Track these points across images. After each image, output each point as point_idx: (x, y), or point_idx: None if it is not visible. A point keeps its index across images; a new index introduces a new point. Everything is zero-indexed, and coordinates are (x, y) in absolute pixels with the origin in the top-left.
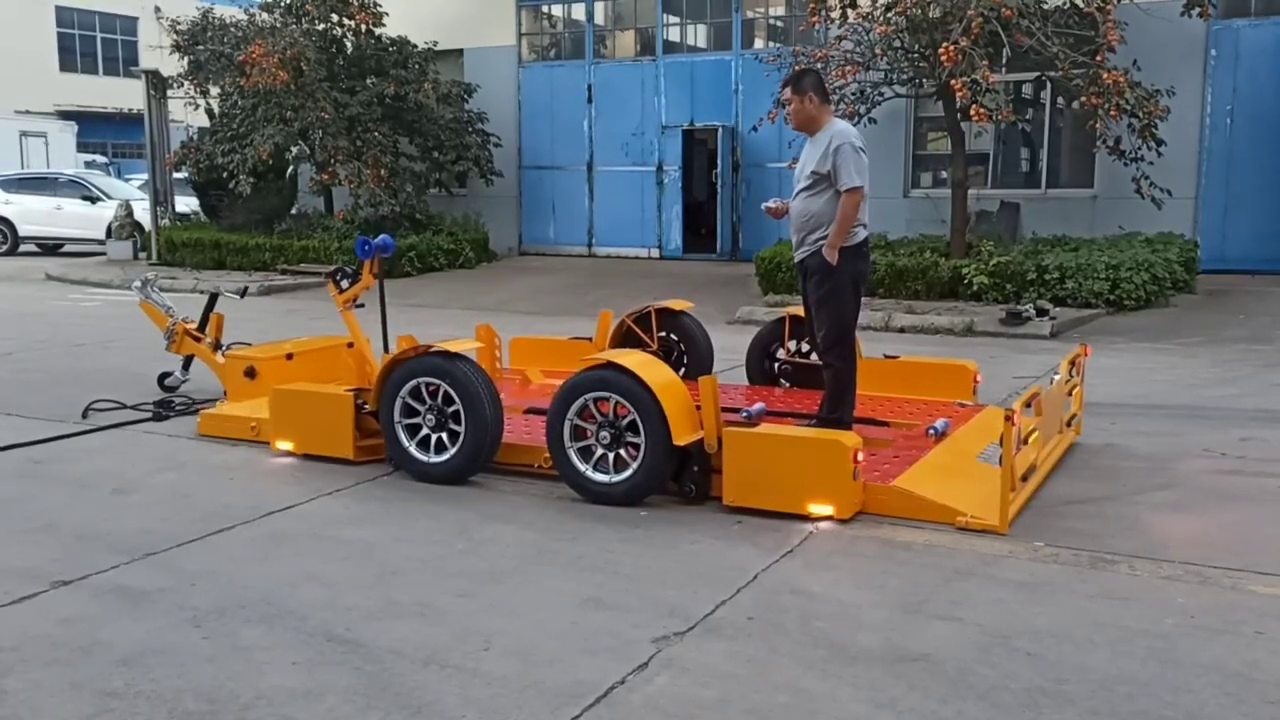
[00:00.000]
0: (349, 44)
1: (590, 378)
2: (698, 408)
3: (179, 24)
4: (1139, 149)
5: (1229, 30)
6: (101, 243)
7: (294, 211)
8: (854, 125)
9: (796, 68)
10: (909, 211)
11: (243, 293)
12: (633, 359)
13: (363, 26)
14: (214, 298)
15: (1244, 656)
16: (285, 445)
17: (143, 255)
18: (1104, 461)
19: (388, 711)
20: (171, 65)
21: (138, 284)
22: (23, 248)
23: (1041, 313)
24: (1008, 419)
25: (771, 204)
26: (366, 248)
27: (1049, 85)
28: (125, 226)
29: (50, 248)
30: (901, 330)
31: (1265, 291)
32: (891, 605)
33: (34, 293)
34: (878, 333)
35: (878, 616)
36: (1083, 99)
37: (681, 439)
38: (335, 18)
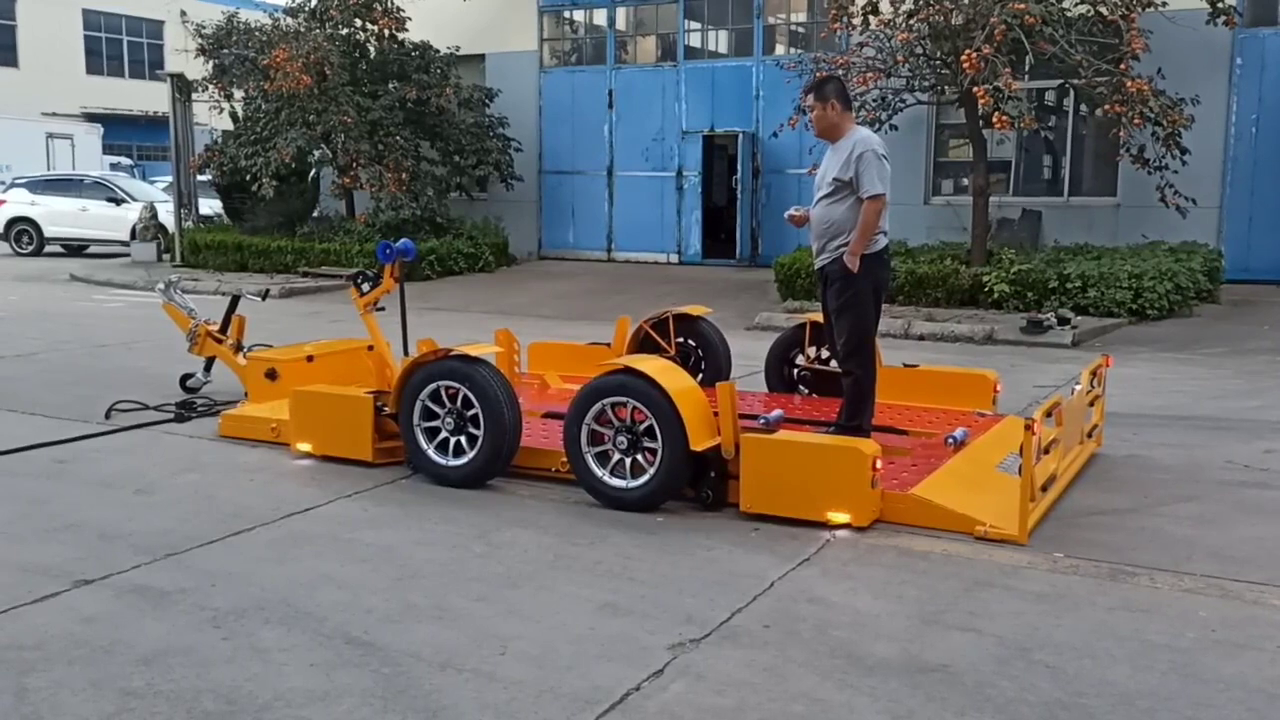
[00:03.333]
0: (372, 49)
1: (608, 383)
2: (715, 414)
3: (204, 28)
4: (1163, 157)
5: (1255, 39)
6: (126, 244)
7: (316, 214)
8: (876, 132)
9: (819, 74)
10: (930, 219)
11: (264, 295)
12: (650, 364)
13: (386, 31)
14: (236, 300)
15: (1266, 673)
16: (305, 446)
17: (166, 257)
18: (1126, 473)
19: (404, 714)
20: (197, 69)
21: (161, 286)
22: (48, 248)
23: (1063, 321)
24: (1028, 428)
25: (794, 211)
26: (388, 252)
27: (1072, 93)
28: (149, 228)
29: (75, 249)
30: (921, 338)
31: None
32: (909, 615)
33: (59, 293)
34: (897, 340)
35: (895, 626)
36: (1105, 107)
37: (699, 445)
38: (359, 23)
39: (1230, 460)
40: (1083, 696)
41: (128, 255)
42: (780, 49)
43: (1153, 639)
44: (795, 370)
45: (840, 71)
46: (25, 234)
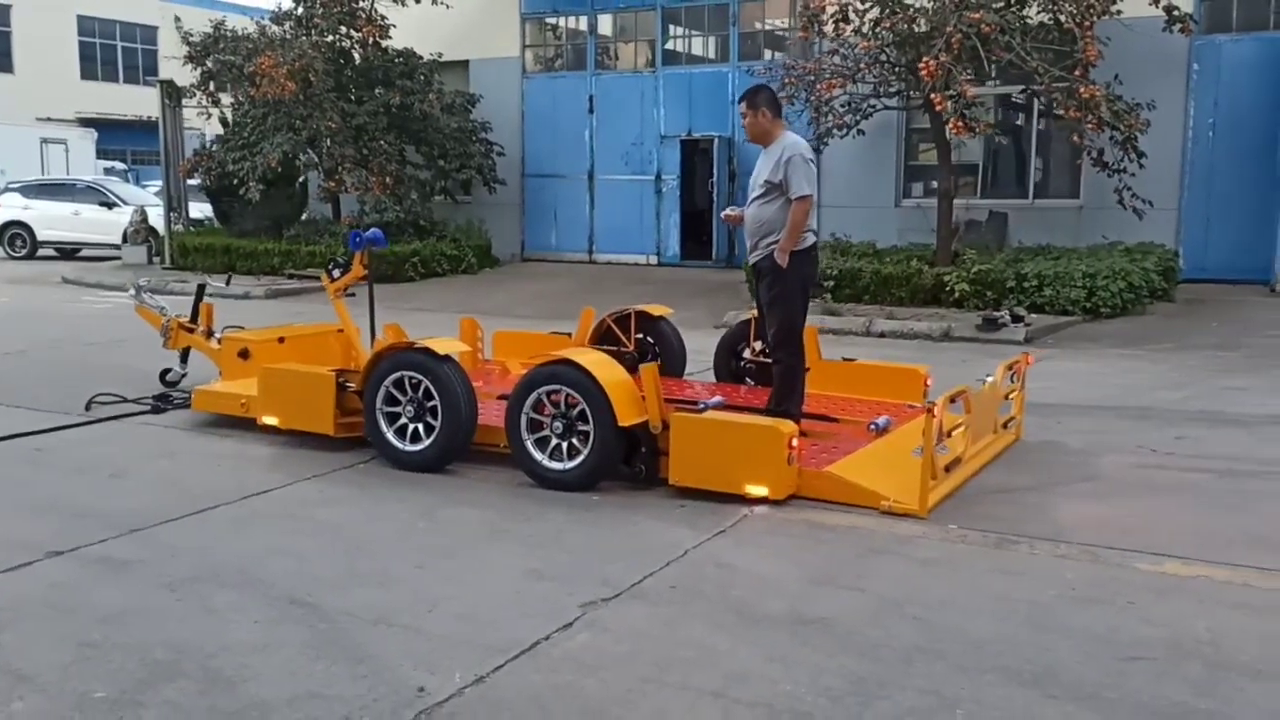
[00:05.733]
0: (357, 56)
1: (542, 373)
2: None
3: (191, 35)
4: (1121, 161)
5: (1211, 45)
6: (118, 247)
7: (305, 218)
8: (844, 136)
9: (787, 80)
10: (901, 221)
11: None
12: (580, 354)
13: (369, 39)
14: (202, 288)
15: (1110, 623)
16: (271, 420)
17: (157, 260)
18: (1038, 457)
19: (334, 661)
20: (187, 75)
21: (131, 291)
22: (41, 252)
23: (1017, 319)
24: (928, 411)
25: (730, 212)
26: (358, 240)
27: (1035, 98)
28: (140, 231)
29: (68, 252)
30: (882, 335)
31: (1242, 301)
32: (803, 578)
33: (50, 295)
34: (859, 337)
35: (789, 587)
36: (1061, 112)
37: (626, 420)
38: (343, 30)
39: (1140, 445)
40: (940, 642)
41: (119, 258)
42: (767, 54)
43: (1017, 596)
44: (741, 363)
45: (810, 77)
46: (19, 238)
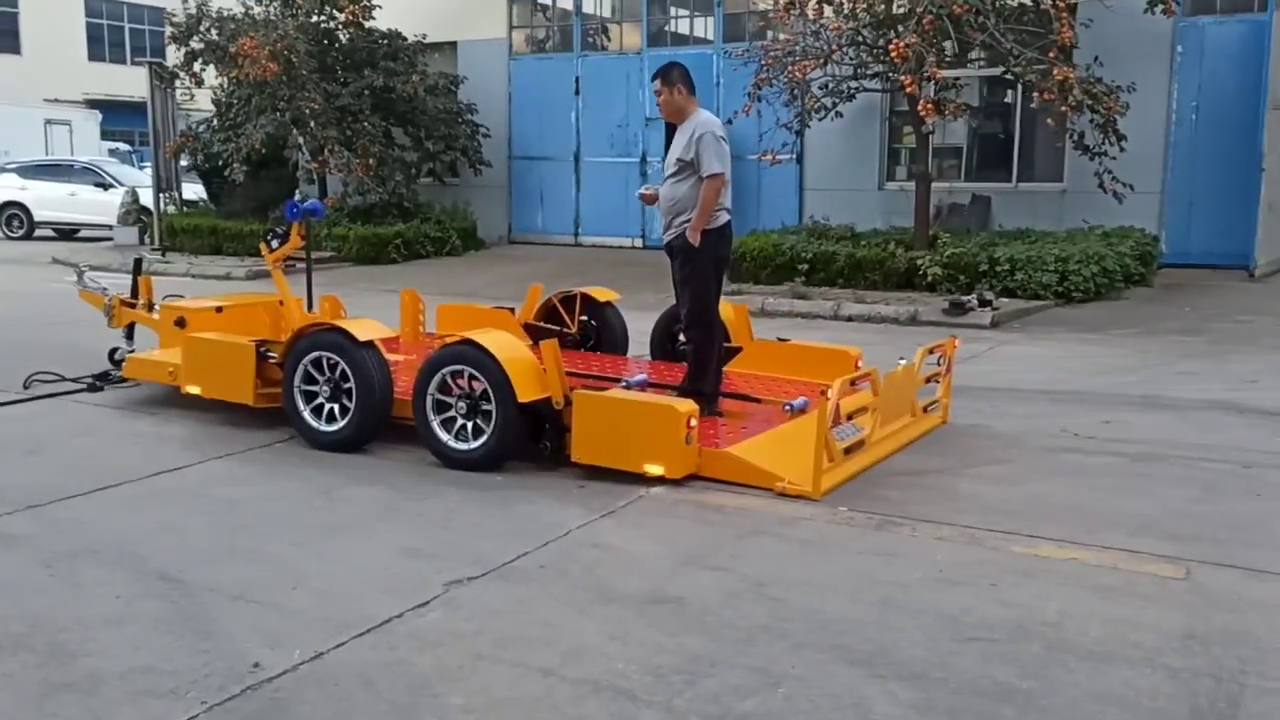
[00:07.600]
0: (342, 37)
1: (445, 354)
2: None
3: (175, 15)
4: (1102, 144)
5: (1194, 27)
6: (113, 228)
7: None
8: (822, 119)
9: (765, 62)
10: (884, 204)
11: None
12: (481, 335)
13: (353, 19)
14: (139, 263)
15: (964, 604)
16: (194, 389)
17: (148, 241)
18: (958, 440)
19: (181, 636)
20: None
21: (73, 278)
22: (40, 232)
23: (984, 303)
24: (822, 394)
25: (646, 190)
26: (295, 210)
27: (1019, 81)
28: (131, 213)
29: (65, 233)
30: (849, 319)
31: (1221, 285)
32: (674, 558)
33: (35, 275)
34: (826, 321)
35: (656, 566)
36: (1038, 95)
37: (526, 397)
38: (327, 10)
39: (1064, 429)
40: (788, 621)
41: (112, 239)
42: (769, 36)
43: (881, 577)
44: (676, 344)
45: (787, 58)
46: (15, 218)
